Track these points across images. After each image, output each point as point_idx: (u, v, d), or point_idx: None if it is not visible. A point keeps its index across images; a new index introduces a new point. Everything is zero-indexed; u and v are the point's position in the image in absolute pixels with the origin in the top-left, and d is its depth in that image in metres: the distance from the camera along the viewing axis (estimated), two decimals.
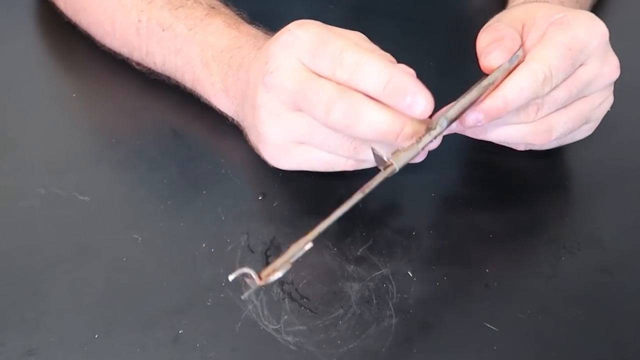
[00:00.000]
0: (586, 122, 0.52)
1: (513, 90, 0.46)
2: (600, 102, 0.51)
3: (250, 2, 0.68)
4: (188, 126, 0.58)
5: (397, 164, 0.44)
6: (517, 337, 0.46)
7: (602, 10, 0.69)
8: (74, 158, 0.57)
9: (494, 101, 0.46)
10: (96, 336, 0.45)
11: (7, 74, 0.63)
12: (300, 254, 0.41)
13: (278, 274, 0.40)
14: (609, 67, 0.50)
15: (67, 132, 0.59)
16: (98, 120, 0.60)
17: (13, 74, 0.63)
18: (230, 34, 0.55)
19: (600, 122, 0.53)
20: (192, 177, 0.54)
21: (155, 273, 0.49)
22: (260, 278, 0.40)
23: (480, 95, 0.47)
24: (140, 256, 0.49)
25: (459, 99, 0.47)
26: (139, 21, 0.58)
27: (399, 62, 0.47)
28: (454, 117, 0.46)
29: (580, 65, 0.49)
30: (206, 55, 0.55)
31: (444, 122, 0.46)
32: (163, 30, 0.57)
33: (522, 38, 0.50)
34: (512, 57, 0.48)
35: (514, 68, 0.48)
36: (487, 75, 0.48)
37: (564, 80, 0.48)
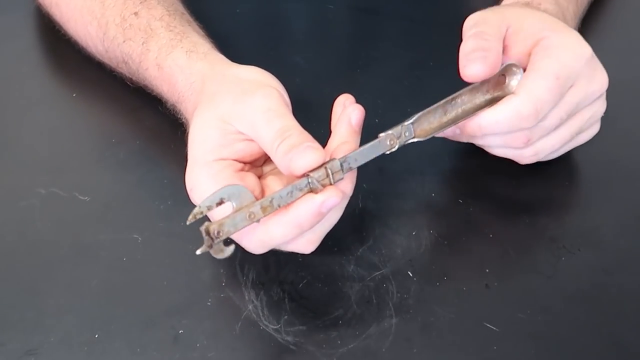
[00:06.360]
0: (580, 132, 0.52)
1: (489, 120, 0.48)
2: (591, 115, 0.51)
3: (251, 2, 0.68)
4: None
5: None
6: (517, 337, 0.46)
7: (602, 10, 0.69)
8: (74, 158, 0.57)
9: (470, 124, 0.49)
10: (96, 336, 0.45)
11: (7, 74, 0.63)
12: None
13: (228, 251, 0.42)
14: (597, 84, 0.50)
15: (67, 132, 0.59)
16: (98, 120, 0.60)
17: (13, 74, 0.63)
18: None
19: (601, 123, 0.53)
20: None
21: (155, 273, 0.49)
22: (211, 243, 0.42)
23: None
24: (140, 256, 0.49)
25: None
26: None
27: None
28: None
29: (570, 87, 0.49)
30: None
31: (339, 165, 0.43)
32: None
33: (505, 40, 0.49)
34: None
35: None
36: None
37: (554, 107, 0.48)
